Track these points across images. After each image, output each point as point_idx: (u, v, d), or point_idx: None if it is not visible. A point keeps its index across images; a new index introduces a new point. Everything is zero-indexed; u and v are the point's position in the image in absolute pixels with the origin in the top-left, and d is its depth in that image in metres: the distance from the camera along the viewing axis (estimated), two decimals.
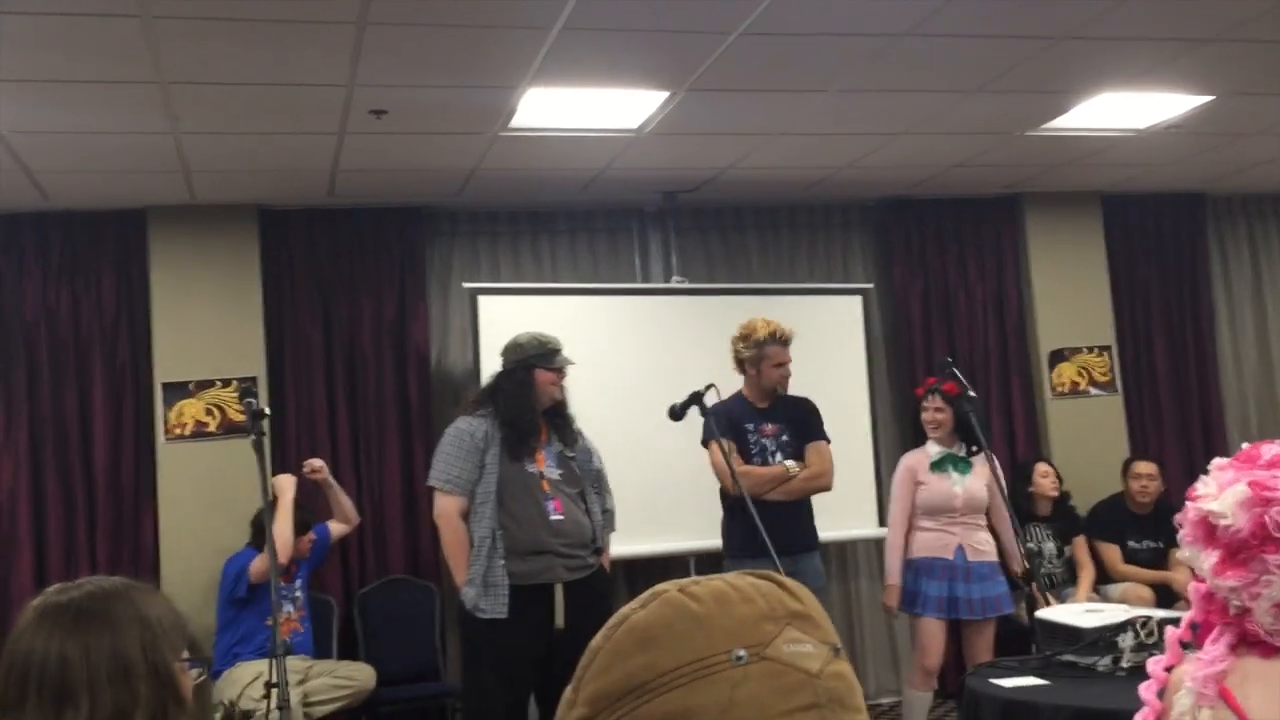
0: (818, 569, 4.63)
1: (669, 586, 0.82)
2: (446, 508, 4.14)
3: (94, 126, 4.34)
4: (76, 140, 4.49)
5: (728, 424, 4.49)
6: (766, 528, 3.87)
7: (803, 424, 4.69)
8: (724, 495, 4.56)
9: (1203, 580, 1.62)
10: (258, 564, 4.74)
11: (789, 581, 0.82)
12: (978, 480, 4.84)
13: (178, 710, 1.47)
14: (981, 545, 4.80)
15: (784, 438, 4.65)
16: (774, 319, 4.70)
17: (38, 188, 5.04)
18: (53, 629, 1.47)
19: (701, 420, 4.12)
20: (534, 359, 4.19)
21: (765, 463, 4.57)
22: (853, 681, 0.80)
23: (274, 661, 3.33)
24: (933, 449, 4.88)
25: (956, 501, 4.79)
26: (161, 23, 3.45)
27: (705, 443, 4.45)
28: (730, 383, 4.71)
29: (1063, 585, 5.78)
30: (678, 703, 0.76)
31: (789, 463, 4.59)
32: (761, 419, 4.64)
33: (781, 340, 4.61)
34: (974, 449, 4.82)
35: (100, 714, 1.41)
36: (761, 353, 4.60)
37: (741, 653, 0.77)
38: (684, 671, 0.76)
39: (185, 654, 1.53)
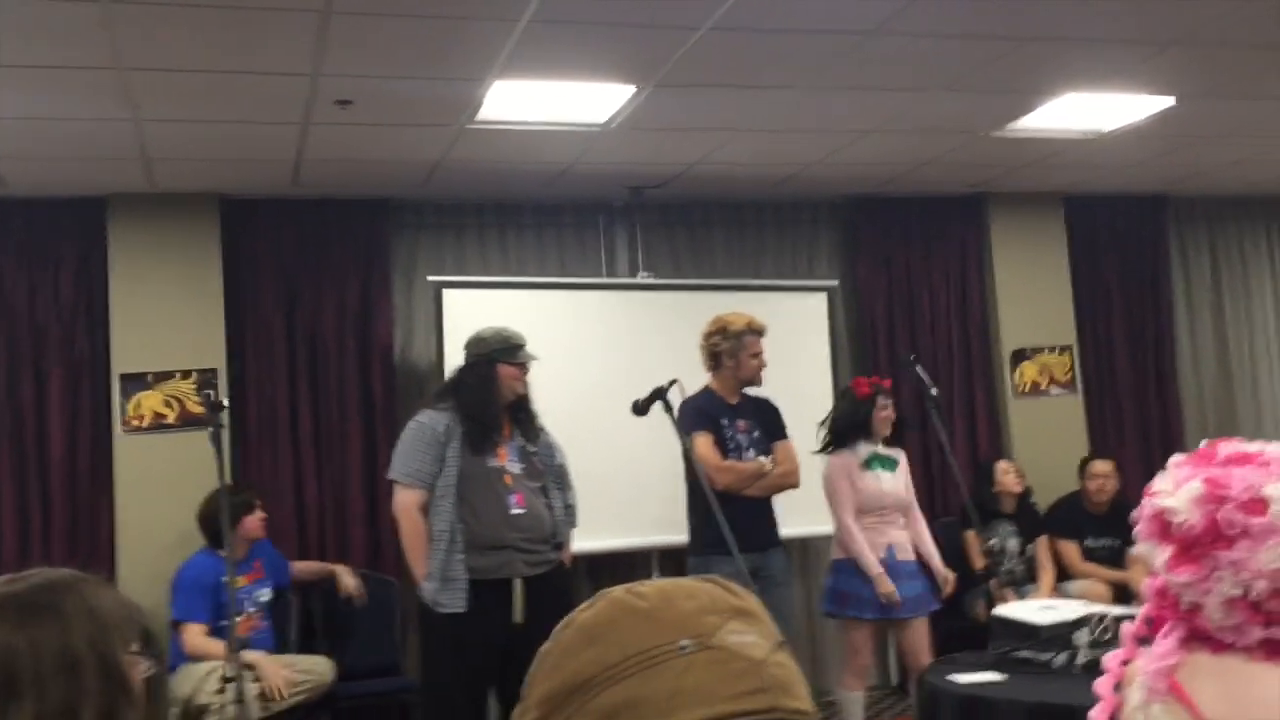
0: (784, 564, 4.65)
1: (615, 589, 0.84)
2: (405, 501, 4.12)
3: (53, 113, 4.28)
4: (35, 126, 4.43)
5: (704, 418, 4.50)
6: (735, 524, 3.85)
7: (770, 422, 4.72)
8: (691, 492, 4.52)
9: (1157, 575, 1.63)
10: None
11: (730, 583, 0.84)
12: (900, 478, 4.87)
13: (127, 704, 1.44)
14: (905, 544, 4.83)
15: (755, 434, 4.66)
16: (756, 316, 4.73)
17: None
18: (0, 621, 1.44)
19: (665, 415, 4.09)
20: (497, 353, 4.17)
21: (739, 458, 4.58)
22: (797, 672, 0.82)
23: (230, 656, 3.29)
24: (862, 449, 4.83)
25: (887, 500, 4.81)
26: (121, 7, 3.40)
27: (688, 434, 4.35)
28: (694, 378, 4.70)
29: (1023, 583, 5.82)
30: (626, 694, 0.77)
31: (763, 459, 4.61)
32: (734, 414, 4.65)
33: (757, 331, 4.64)
34: (897, 445, 4.86)
35: (47, 708, 1.38)
36: (740, 344, 4.62)
37: (686, 642, 0.78)
38: (631, 663, 0.77)
39: (136, 647, 1.50)
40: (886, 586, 4.67)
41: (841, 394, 5.21)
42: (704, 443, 4.42)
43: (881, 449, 4.87)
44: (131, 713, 1.45)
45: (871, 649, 4.80)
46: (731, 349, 4.62)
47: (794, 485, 4.70)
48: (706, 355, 4.69)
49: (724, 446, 4.56)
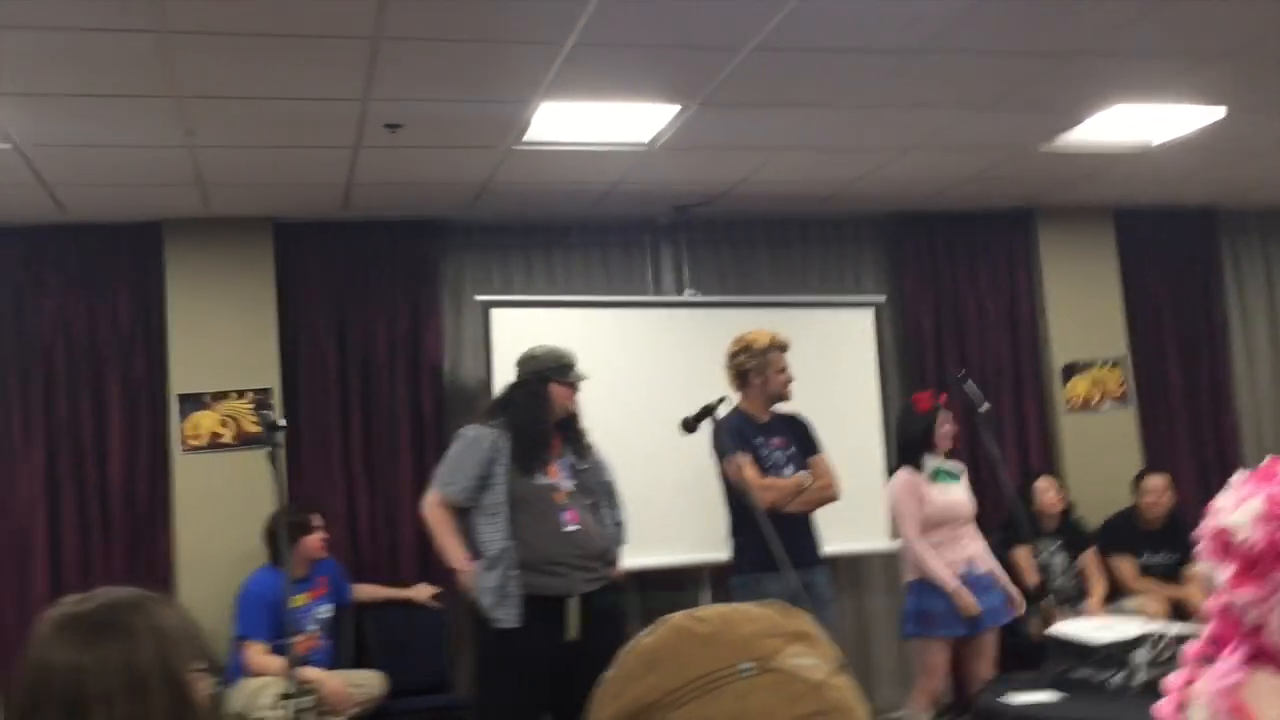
0: (828, 582, 4.63)
1: (677, 614, 0.85)
2: (429, 500, 4.20)
3: (110, 140, 4.37)
4: (93, 154, 4.53)
5: (741, 439, 4.49)
6: (788, 540, 3.87)
7: (803, 437, 4.72)
8: (733, 511, 4.52)
9: (1219, 594, 1.61)
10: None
11: (788, 607, 0.85)
12: (964, 489, 4.87)
13: None
14: (982, 554, 4.80)
15: (791, 450, 4.66)
16: (779, 331, 4.72)
17: (55, 201, 5.08)
18: (68, 640, 1.47)
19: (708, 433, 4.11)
20: (550, 371, 4.20)
21: (778, 475, 4.57)
22: (856, 694, 0.83)
23: (288, 673, 3.34)
24: (929, 463, 4.84)
25: (958, 511, 4.79)
26: (177, 37, 3.48)
27: (723, 457, 4.41)
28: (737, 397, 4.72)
29: (1075, 599, 5.75)
30: (688, 717, 0.78)
31: (801, 474, 4.60)
32: (768, 433, 4.65)
33: (781, 346, 4.64)
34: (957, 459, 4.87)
35: None
36: (765, 360, 4.62)
37: (747, 665, 0.79)
38: (692, 687, 0.78)
39: (200, 664, 1.53)
40: (967, 600, 4.63)
41: (903, 410, 5.21)
42: (745, 463, 4.42)
43: (944, 462, 4.87)
44: None
45: (946, 671, 4.77)
46: (758, 366, 4.62)
47: (834, 498, 4.68)
48: (733, 375, 4.69)
49: (761, 465, 4.56)
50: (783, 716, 0.77)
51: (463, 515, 4.17)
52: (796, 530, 4.44)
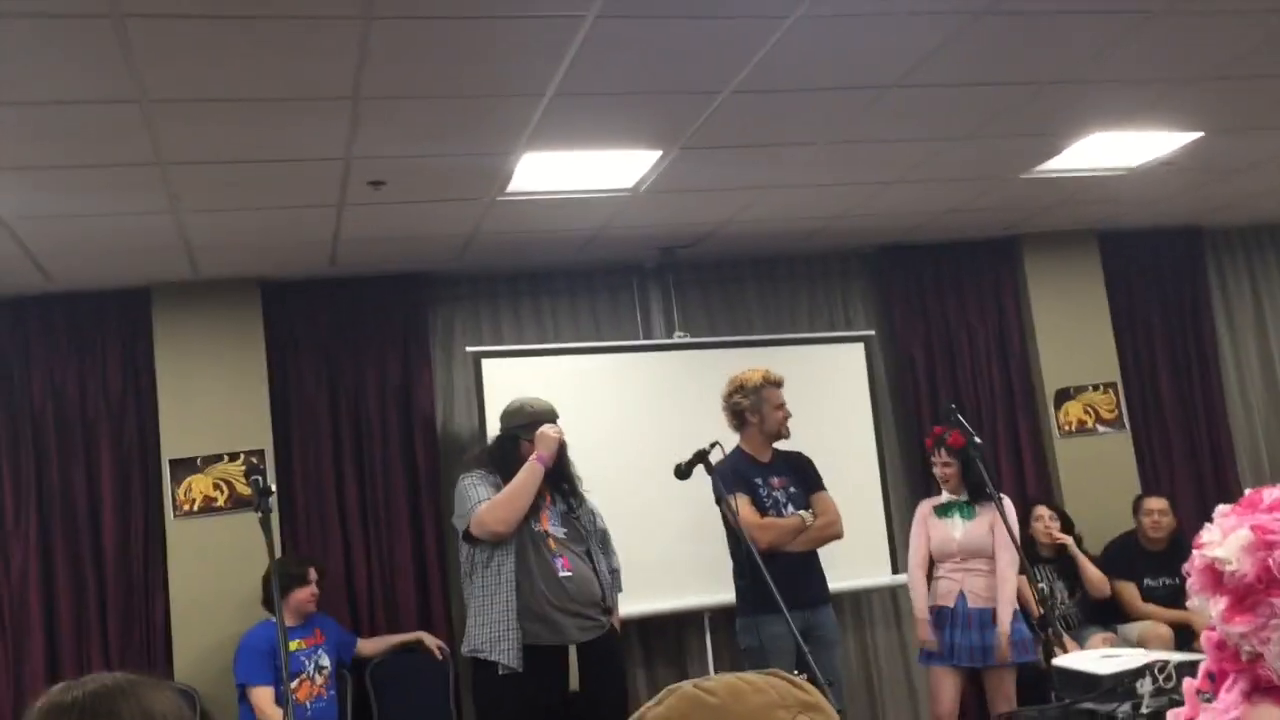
0: (833, 622, 4.61)
1: (684, 684, 0.85)
2: (475, 517, 4.06)
3: (95, 209, 4.38)
4: (78, 223, 4.54)
5: (739, 480, 4.49)
6: (782, 582, 3.82)
7: (805, 475, 4.73)
8: (735, 554, 4.51)
9: (1214, 628, 1.61)
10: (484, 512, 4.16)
11: (797, 679, 0.86)
12: (980, 525, 4.86)
13: None
14: (981, 591, 4.79)
15: (791, 489, 4.66)
16: (771, 368, 4.76)
17: (41, 270, 5.09)
18: None
19: (709, 477, 4.11)
20: (518, 430, 4.23)
21: (780, 514, 4.57)
22: None
23: None
24: (942, 496, 5.00)
25: (953, 546, 4.83)
26: (159, 105, 3.50)
27: (721, 499, 4.38)
28: (734, 438, 4.71)
29: (1079, 626, 5.72)
30: None
31: (803, 513, 4.59)
32: (768, 472, 4.66)
33: (775, 382, 4.67)
34: (982, 496, 4.83)
35: None
36: (760, 397, 4.64)
37: None
38: None
39: None
40: (923, 633, 4.84)
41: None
42: (742, 504, 4.41)
43: (954, 499, 4.96)
44: None
45: (951, 698, 4.81)
46: (753, 404, 4.64)
47: (837, 536, 4.68)
48: (730, 415, 4.70)
49: (761, 505, 4.55)
50: None
51: (468, 556, 4.14)
52: (801, 570, 4.44)
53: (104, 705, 1.47)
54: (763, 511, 4.55)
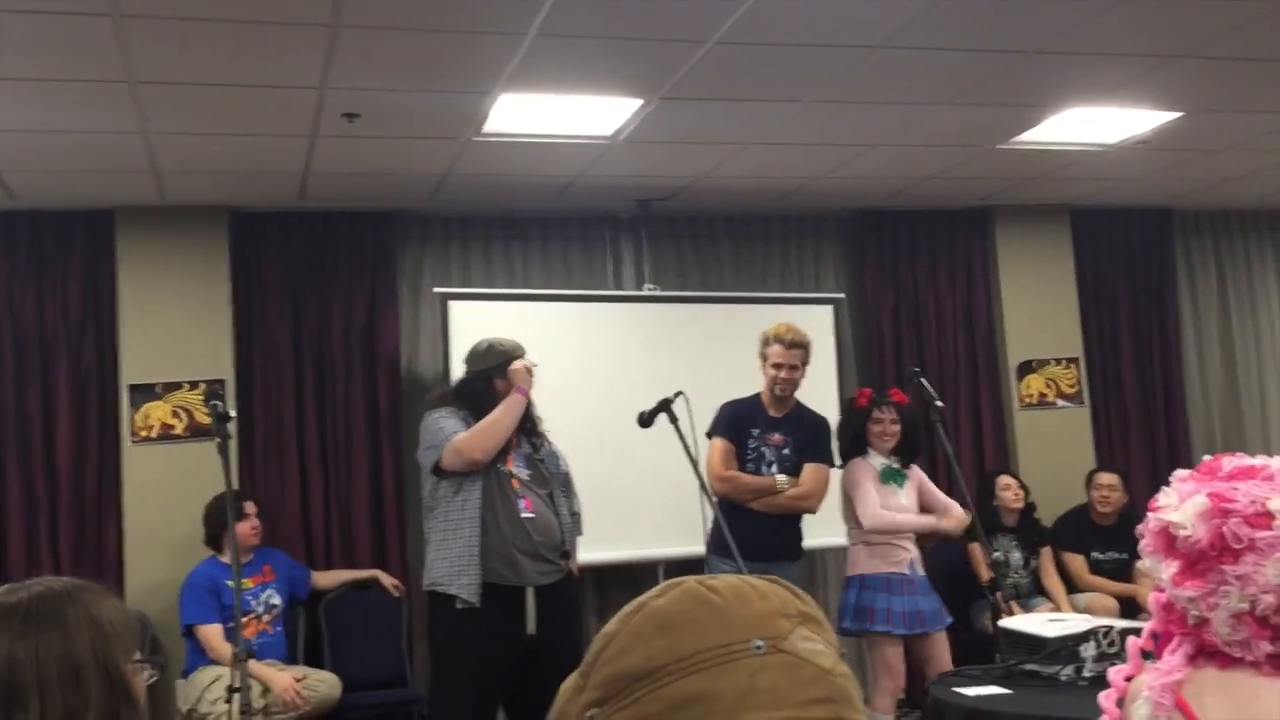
0: (796, 579, 4.61)
1: (688, 579, 0.83)
2: (452, 444, 4.02)
3: (63, 125, 4.30)
4: (44, 139, 4.45)
5: (731, 424, 4.51)
6: (748, 533, 3.98)
7: (810, 442, 4.63)
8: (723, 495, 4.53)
9: (1163, 590, 1.63)
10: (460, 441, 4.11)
11: (797, 589, 0.84)
12: (911, 493, 4.81)
13: (130, 712, 1.45)
14: (919, 558, 4.78)
15: (785, 451, 4.60)
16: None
17: (4, 187, 4.99)
18: (1, 631, 1.45)
19: (670, 427, 4.11)
20: (493, 371, 4.21)
21: (757, 471, 4.57)
22: (856, 685, 0.82)
23: (236, 663, 3.30)
24: (877, 461, 4.75)
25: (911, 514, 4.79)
26: (131, 21, 3.43)
27: (710, 437, 4.53)
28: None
29: (1028, 595, 5.81)
30: (697, 687, 0.77)
31: (780, 477, 4.57)
32: (771, 427, 4.61)
33: (778, 339, 4.55)
34: (913, 460, 4.82)
35: (50, 716, 1.39)
36: (764, 353, 4.60)
37: (760, 643, 0.78)
38: (705, 656, 0.77)
39: (138, 655, 1.51)
40: (927, 520, 4.70)
41: (843, 407, 5.18)
42: (714, 448, 4.46)
43: (892, 462, 4.80)
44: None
45: (903, 668, 4.64)
46: (761, 356, 4.62)
47: (809, 510, 4.63)
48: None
49: (743, 458, 4.55)
50: (791, 699, 0.76)
51: (432, 491, 4.13)
52: (766, 524, 4.46)
53: (49, 608, 1.46)
54: (742, 464, 4.55)
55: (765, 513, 4.50)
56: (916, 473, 4.85)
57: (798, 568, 4.64)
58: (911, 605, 4.59)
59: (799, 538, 4.67)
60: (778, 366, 4.55)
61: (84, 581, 1.53)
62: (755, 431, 4.58)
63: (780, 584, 0.84)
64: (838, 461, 4.80)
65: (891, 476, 4.75)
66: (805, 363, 4.59)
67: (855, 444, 4.79)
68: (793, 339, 4.55)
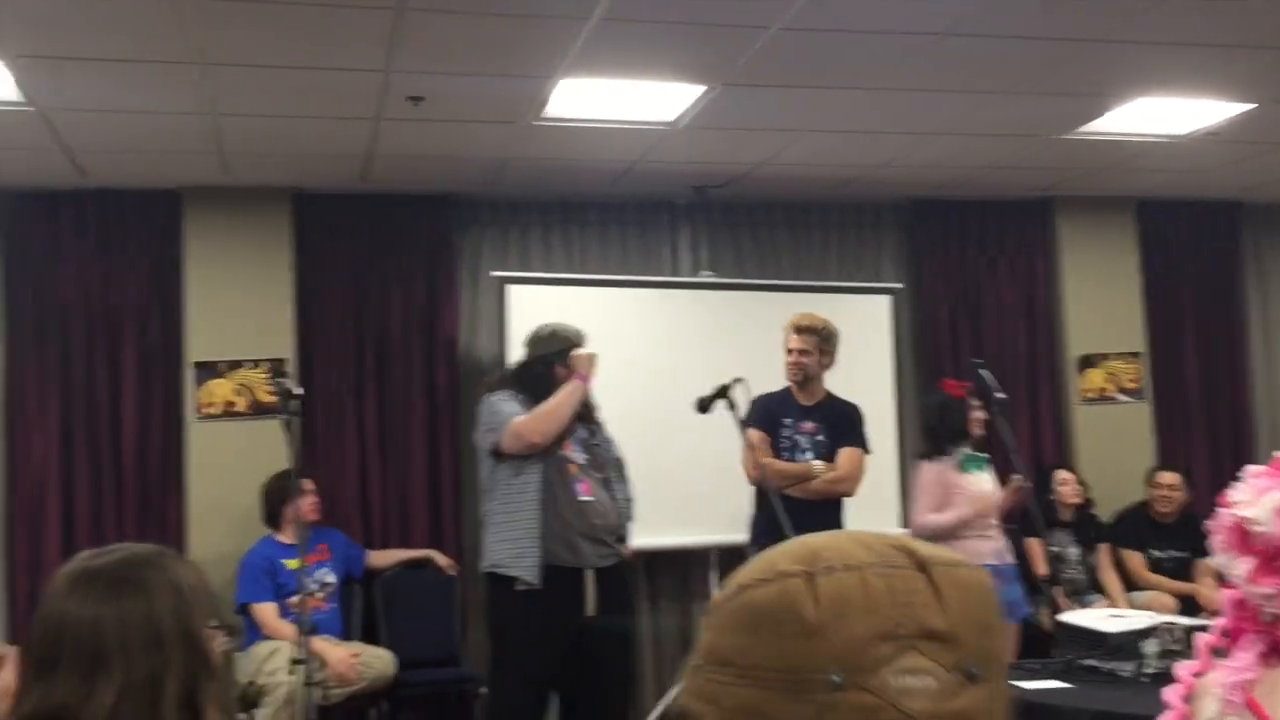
0: None
1: (797, 568, 0.75)
2: (510, 428, 4.03)
3: (133, 105, 4.37)
4: (116, 119, 4.53)
5: (764, 415, 4.51)
6: (790, 522, 3.87)
7: (843, 429, 4.64)
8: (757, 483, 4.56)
9: (1234, 587, 1.60)
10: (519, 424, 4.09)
11: (943, 581, 0.74)
12: (992, 479, 4.84)
13: (207, 677, 1.48)
14: (1003, 548, 4.79)
15: (819, 438, 4.61)
16: (818, 311, 4.69)
17: (76, 166, 5.09)
18: (86, 594, 1.48)
19: (728, 414, 4.11)
20: (553, 356, 4.21)
21: (792, 459, 4.57)
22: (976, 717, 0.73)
23: (300, 639, 3.36)
24: (959, 451, 4.81)
25: (990, 501, 4.77)
26: (204, 3, 3.48)
27: (744, 429, 4.43)
28: (756, 377, 4.71)
29: (1084, 591, 5.74)
30: (759, 702, 0.73)
31: (815, 463, 4.58)
32: (803, 415, 4.62)
33: (795, 327, 4.57)
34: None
35: (133, 679, 1.43)
36: (785, 340, 4.61)
37: (839, 677, 0.71)
38: (774, 675, 0.73)
39: (214, 622, 1.54)
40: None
41: (932, 397, 5.14)
42: (750, 437, 4.44)
43: (971, 450, 4.87)
44: (211, 685, 1.49)
45: None
46: (785, 344, 4.62)
47: (847, 494, 4.64)
48: None
49: (777, 446, 4.56)
50: None
51: (490, 473, 4.15)
52: (811, 513, 4.44)
53: (133, 573, 1.49)
54: (776, 453, 4.56)
55: (808, 500, 4.50)
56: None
57: None
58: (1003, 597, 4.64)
59: (840, 526, 4.65)
60: (790, 352, 4.58)
61: (164, 548, 1.56)
62: (788, 421, 4.59)
63: (924, 577, 0.74)
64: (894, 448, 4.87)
65: (973, 463, 4.81)
66: (823, 350, 4.57)
67: (952, 435, 4.80)
68: (799, 323, 4.56)
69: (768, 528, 4.17)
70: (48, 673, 1.45)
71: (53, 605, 1.49)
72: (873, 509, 5.68)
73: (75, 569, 1.52)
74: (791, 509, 4.25)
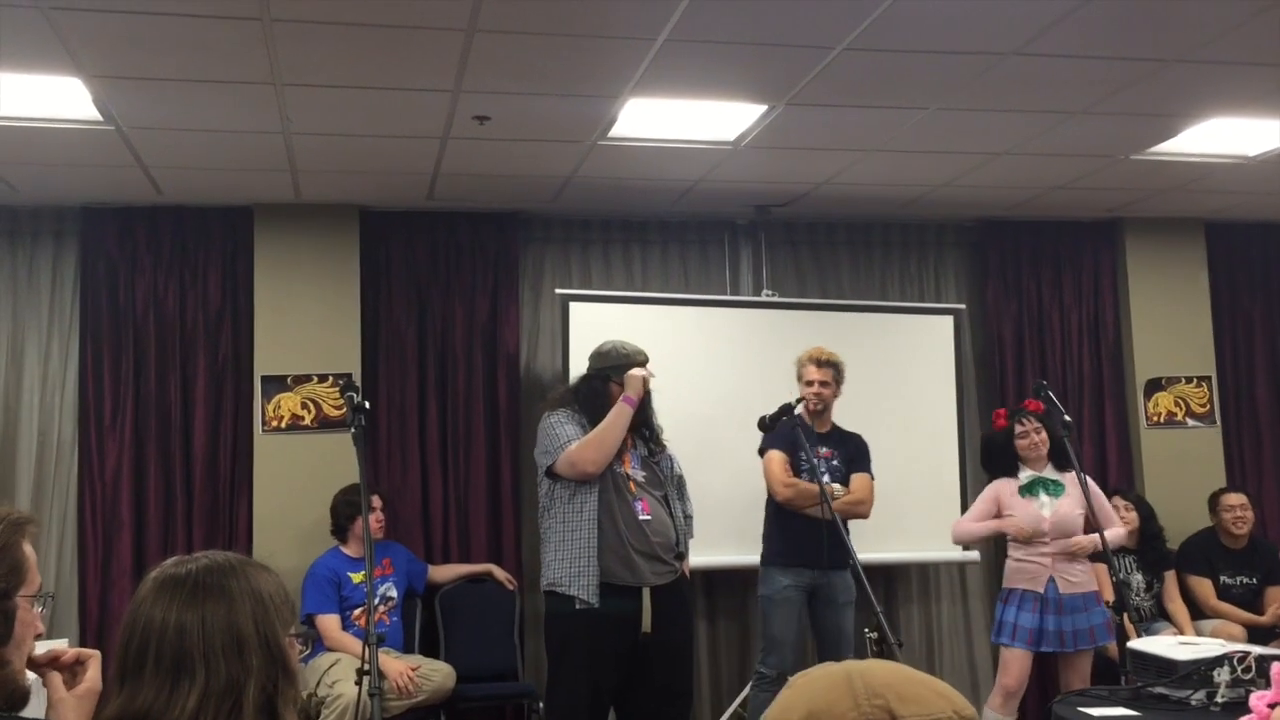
0: (846, 584, 4.79)
1: (853, 673, 0.87)
2: (563, 458, 4.07)
3: (209, 124, 4.48)
4: (191, 137, 4.65)
5: (782, 439, 4.73)
6: (805, 543, 4.36)
7: (855, 455, 4.94)
8: (768, 503, 4.88)
9: None
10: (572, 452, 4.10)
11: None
12: (1070, 503, 4.77)
13: (287, 683, 1.51)
14: (1074, 577, 4.73)
15: (835, 462, 4.90)
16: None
17: (152, 182, 5.23)
18: (171, 600, 1.52)
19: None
20: (611, 370, 4.24)
21: (810, 481, 4.65)
22: None
23: (367, 649, 3.41)
24: (1023, 474, 4.86)
25: (1044, 525, 4.74)
26: (279, 25, 3.56)
27: (762, 452, 4.84)
28: None
29: (1150, 619, 5.64)
30: None
31: (835, 485, 4.81)
32: (818, 442, 4.86)
33: (814, 359, 4.88)
34: (1068, 467, 4.77)
35: (215, 684, 1.46)
36: (799, 372, 4.92)
37: None
38: None
39: (294, 630, 1.58)
40: (1011, 524, 4.82)
41: (983, 437, 5.40)
42: (774, 459, 4.78)
43: (1048, 473, 4.90)
44: (290, 691, 1.52)
45: (1022, 674, 4.80)
46: (798, 377, 4.93)
47: (862, 515, 4.92)
48: None
49: (797, 468, 4.79)
50: None
51: (548, 492, 4.18)
52: (819, 534, 4.49)
53: (216, 580, 1.53)
54: (796, 474, 4.78)
55: (821, 521, 4.52)
56: (1077, 480, 4.68)
57: (849, 575, 4.74)
58: (1039, 623, 4.65)
59: (848, 548, 4.68)
60: (810, 383, 4.87)
61: (245, 556, 1.60)
62: (805, 446, 4.67)
63: (948, 693, 0.86)
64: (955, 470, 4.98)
65: (1039, 487, 4.85)
66: (838, 381, 4.92)
67: (1008, 465, 4.94)
68: (824, 358, 4.89)
69: (783, 549, 4.71)
70: (132, 676, 1.49)
71: (139, 610, 1.53)
72: (933, 530, 5.66)
73: (161, 575, 1.56)
74: (810, 534, 4.61)
